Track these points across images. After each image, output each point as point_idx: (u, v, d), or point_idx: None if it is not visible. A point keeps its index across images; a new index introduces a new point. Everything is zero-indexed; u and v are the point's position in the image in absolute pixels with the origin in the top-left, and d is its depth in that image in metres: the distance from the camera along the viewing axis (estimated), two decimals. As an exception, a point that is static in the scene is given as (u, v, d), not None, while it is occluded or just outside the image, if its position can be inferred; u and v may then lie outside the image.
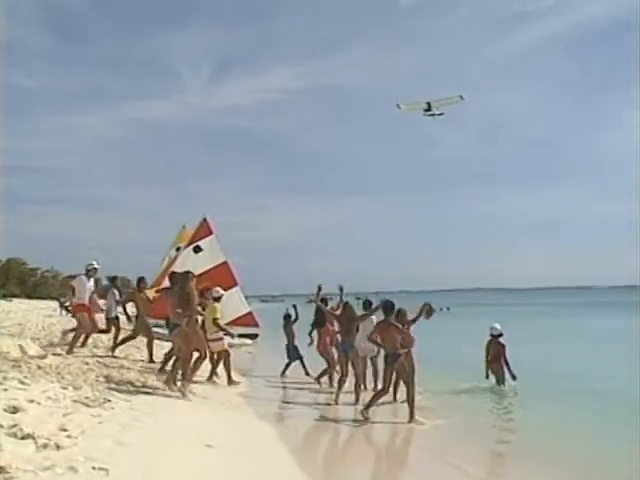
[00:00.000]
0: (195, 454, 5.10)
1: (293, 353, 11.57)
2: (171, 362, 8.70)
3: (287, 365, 11.62)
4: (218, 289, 10.13)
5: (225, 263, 17.21)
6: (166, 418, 6.32)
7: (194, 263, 16.36)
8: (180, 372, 8.05)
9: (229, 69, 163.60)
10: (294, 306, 11.96)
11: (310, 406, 9.16)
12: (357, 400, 8.71)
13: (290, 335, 11.65)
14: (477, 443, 7.07)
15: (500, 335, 10.25)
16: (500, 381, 10.03)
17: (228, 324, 16.94)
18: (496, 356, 10.07)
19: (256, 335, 18.18)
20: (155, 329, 16.52)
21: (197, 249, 16.95)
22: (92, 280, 10.75)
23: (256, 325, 17.81)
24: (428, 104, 28.42)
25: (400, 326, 8.19)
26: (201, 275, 16.12)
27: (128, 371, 9.03)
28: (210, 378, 9.87)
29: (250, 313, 17.63)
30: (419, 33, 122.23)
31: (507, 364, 10.03)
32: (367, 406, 7.97)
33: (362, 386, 9.18)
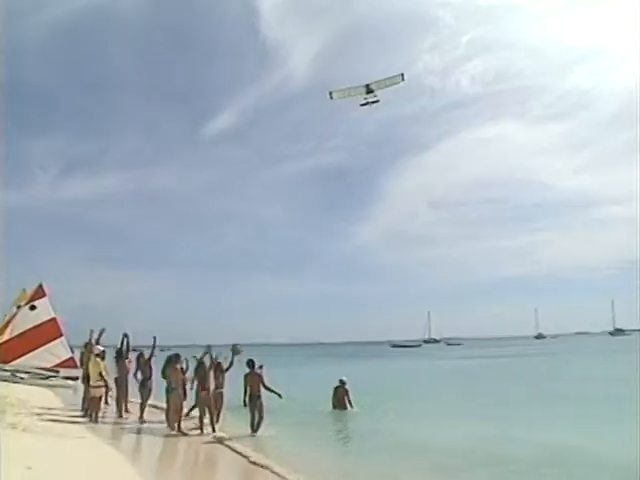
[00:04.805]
0: (15, 475, 5.65)
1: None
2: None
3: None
4: (99, 347, 12.14)
5: (54, 319, 20.59)
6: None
7: (29, 318, 20.42)
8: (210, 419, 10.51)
9: (73, 171, 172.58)
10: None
11: (150, 430, 10.41)
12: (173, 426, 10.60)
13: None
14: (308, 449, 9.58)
15: (345, 384, 15.14)
16: (340, 408, 14.90)
17: (55, 366, 20.75)
18: (341, 396, 15.00)
19: (77, 377, 19.40)
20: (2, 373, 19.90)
21: (33, 307, 20.29)
22: None
23: (77, 367, 18.81)
24: (367, 86, 23.12)
25: (261, 375, 10.56)
26: (35, 327, 20.49)
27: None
28: (96, 417, 11.61)
29: (72, 358, 20.17)
30: (214, 157, 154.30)
31: (349, 399, 14.93)
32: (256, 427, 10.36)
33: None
